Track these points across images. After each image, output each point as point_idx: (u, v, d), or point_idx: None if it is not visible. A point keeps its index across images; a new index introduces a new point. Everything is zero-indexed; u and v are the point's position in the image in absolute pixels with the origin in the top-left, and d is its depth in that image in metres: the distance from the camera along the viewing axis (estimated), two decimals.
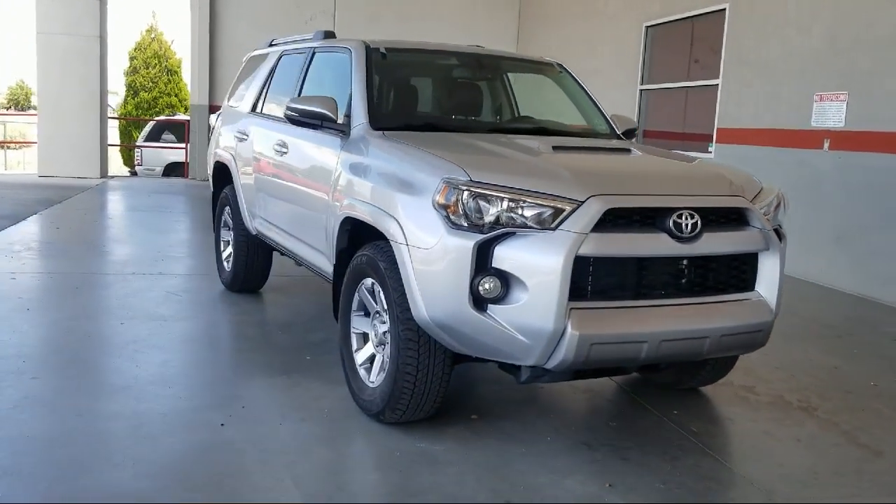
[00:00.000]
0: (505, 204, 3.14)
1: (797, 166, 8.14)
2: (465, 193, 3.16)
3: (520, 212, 3.13)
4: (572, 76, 5.05)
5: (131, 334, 4.87)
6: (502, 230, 3.12)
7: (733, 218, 3.48)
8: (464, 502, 2.98)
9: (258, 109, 5.73)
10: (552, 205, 3.12)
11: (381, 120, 4.17)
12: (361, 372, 3.81)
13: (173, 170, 16.61)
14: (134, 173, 17.67)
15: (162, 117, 19.36)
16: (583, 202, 3.13)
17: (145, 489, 2.96)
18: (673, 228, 3.22)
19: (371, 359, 3.79)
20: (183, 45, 23.13)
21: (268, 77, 5.75)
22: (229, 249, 6.17)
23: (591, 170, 3.50)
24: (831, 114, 7.79)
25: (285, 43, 5.92)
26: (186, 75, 23.04)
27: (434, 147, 3.64)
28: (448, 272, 3.16)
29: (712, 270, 3.41)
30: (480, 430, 3.69)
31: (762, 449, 3.72)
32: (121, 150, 22.14)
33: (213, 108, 15.04)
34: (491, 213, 3.14)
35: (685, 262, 3.32)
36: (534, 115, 5.06)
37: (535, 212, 3.12)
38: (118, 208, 11.33)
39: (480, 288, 3.11)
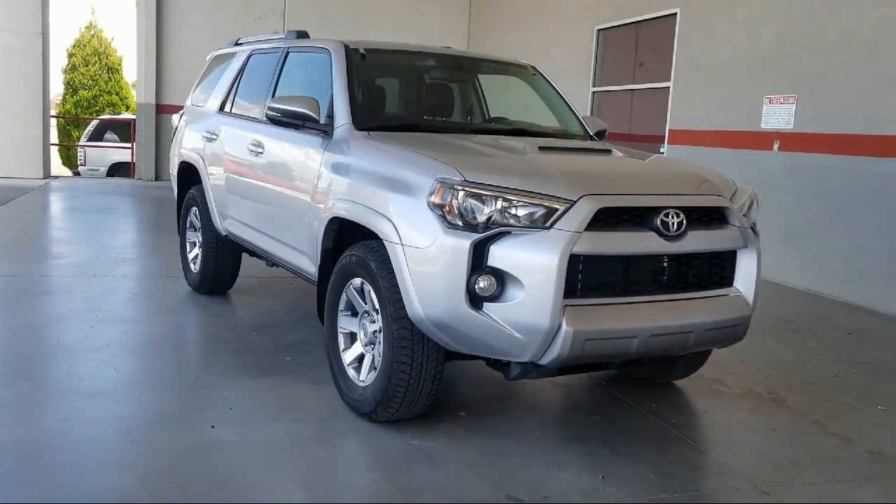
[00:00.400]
0: (499, 204, 3.20)
1: (748, 167, 8.41)
2: (461, 193, 3.21)
3: (514, 211, 3.19)
4: (545, 78, 5.14)
5: (103, 338, 4.78)
6: (497, 229, 3.18)
7: (714, 217, 3.61)
8: (470, 500, 3.03)
9: (227, 109, 5.68)
10: (546, 204, 3.19)
11: (364, 120, 4.18)
12: (350, 371, 3.82)
13: (118, 170, 16.24)
14: (77, 173, 17.21)
15: (105, 116, 18.91)
16: (575, 202, 3.20)
17: (147, 492, 2.93)
18: (660, 227, 3.33)
19: (360, 358, 3.81)
20: (124, 43, 22.74)
21: (236, 76, 5.71)
22: (196, 251, 6.10)
23: (581, 170, 3.59)
24: (781, 116, 8.07)
25: (253, 42, 5.87)
26: (128, 73, 22.60)
27: (422, 147, 3.69)
28: (444, 271, 3.20)
29: (695, 267, 3.53)
30: (470, 426, 3.74)
31: (741, 439, 3.86)
32: (59, 150, 21.56)
33: (161, 107, 14.82)
34: (485, 212, 3.19)
35: (671, 259, 3.43)
36: (508, 116, 5.13)
37: (530, 211, 3.19)
38: (67, 209, 11.03)
39: (476, 286, 3.17)
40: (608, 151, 4.12)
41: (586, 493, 3.13)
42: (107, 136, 16.84)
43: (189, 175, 6.14)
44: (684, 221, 3.38)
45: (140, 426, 3.54)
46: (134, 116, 16.10)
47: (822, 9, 7.56)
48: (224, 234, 5.59)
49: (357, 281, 3.73)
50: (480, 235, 3.17)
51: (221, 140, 5.49)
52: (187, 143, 6.12)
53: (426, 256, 3.26)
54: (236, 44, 6.23)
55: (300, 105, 4.16)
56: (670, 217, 3.35)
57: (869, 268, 7.06)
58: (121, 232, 9.40)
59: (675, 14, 9.72)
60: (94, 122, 17.46)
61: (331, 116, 4.24)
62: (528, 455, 3.46)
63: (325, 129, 4.21)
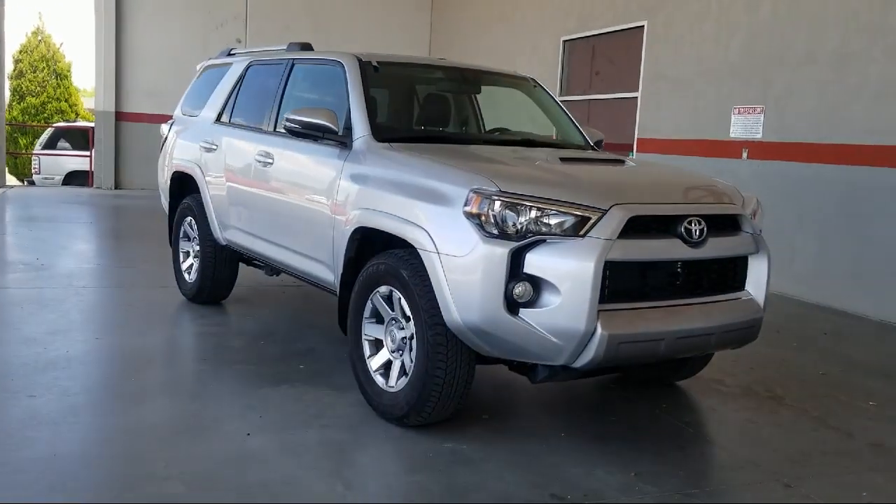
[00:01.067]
0: (534, 213, 3.33)
1: (717, 174, 8.66)
2: (498, 203, 3.33)
3: (549, 220, 3.32)
4: (545, 90, 5.31)
5: (112, 349, 4.78)
6: (533, 238, 3.31)
7: (728, 224, 3.80)
8: (516, 499, 3.14)
9: (225, 119, 5.70)
10: (580, 213, 3.33)
11: (382, 132, 4.27)
12: (377, 378, 3.90)
13: (74, 178, 15.92)
14: (30, 182, 16.81)
15: (61, 123, 18.48)
16: (607, 211, 3.35)
17: (200, 499, 2.97)
18: (684, 234, 3.50)
19: (387, 364, 3.89)
20: (74, 49, 22.27)
21: (235, 87, 5.73)
22: (190, 261, 6.10)
23: (607, 180, 3.74)
24: (749, 126, 8.39)
25: (250, 53, 5.92)
26: (77, 79, 22.17)
27: (450, 159, 3.80)
28: (483, 278, 3.31)
29: (713, 272, 3.72)
30: (496, 428, 3.86)
31: (752, 435, 4.05)
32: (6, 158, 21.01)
33: (120, 115, 14.60)
34: (521, 221, 3.32)
35: (693, 264, 3.60)
36: (511, 126, 5.27)
37: (564, 220, 3.32)
38: (32, 219, 10.77)
39: (513, 293, 3.29)
40: (622, 161, 4.29)
41: (623, 491, 3.27)
42: (59, 144, 16.51)
43: (182, 185, 6.14)
44: (705, 229, 3.56)
45: (175, 435, 3.56)
46: (89, 124, 15.83)
47: (789, 23, 7.90)
48: (224, 243, 5.61)
49: (384, 289, 3.82)
50: (518, 244, 3.29)
51: (222, 150, 5.51)
52: (181, 153, 6.10)
53: (464, 264, 3.36)
54: (229, 54, 6.27)
55: (320, 117, 4.23)
56: (693, 225, 3.52)
57: (836, 271, 7.40)
58: (95, 242, 9.28)
59: (643, 27, 10.01)
60: (49, 130, 17.08)
61: (348, 128, 4.31)
62: (559, 455, 3.59)
63: (343, 141, 4.29)
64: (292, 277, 5.18)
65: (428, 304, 3.53)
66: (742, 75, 8.46)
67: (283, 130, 4.91)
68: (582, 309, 3.24)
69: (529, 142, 4.75)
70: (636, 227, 3.42)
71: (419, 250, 3.54)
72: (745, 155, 8.48)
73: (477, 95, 5.59)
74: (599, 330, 3.26)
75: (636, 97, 10.15)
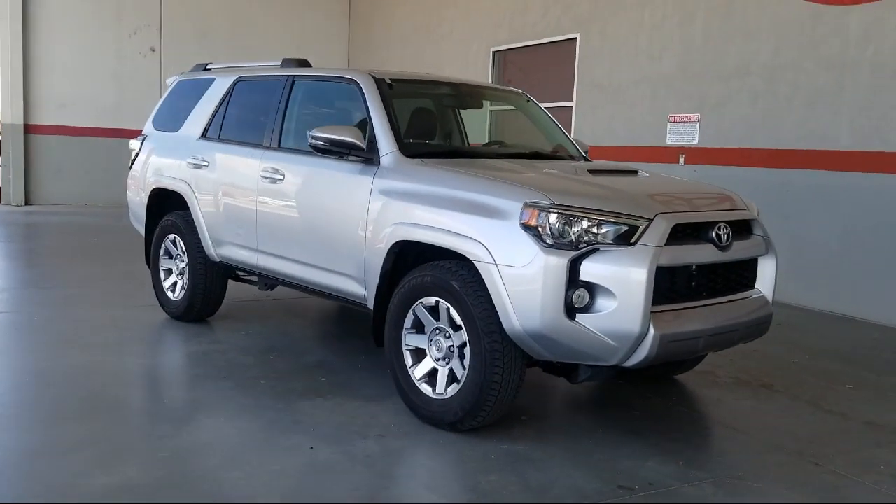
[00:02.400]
0: (586, 223, 3.56)
1: None
2: (554, 216, 3.55)
3: (602, 230, 3.56)
4: (536, 104, 5.56)
5: (125, 371, 4.69)
6: (588, 247, 3.54)
7: (744, 228, 4.15)
8: (589, 493, 3.36)
9: (213, 135, 5.66)
10: (629, 223, 3.59)
11: (409, 148, 4.41)
12: (423, 386, 4.03)
13: None
14: None
15: None
16: (652, 220, 3.62)
17: None
18: (715, 239, 3.82)
19: (431, 373, 4.03)
20: None
21: (221, 103, 5.70)
22: (173, 278, 6.01)
23: (644, 191, 4.00)
24: (685, 132, 8.93)
25: (232, 68, 5.91)
26: None
27: (490, 172, 3.99)
28: (544, 287, 3.50)
29: (735, 273, 4.06)
30: (538, 428, 4.07)
31: (763, 421, 4.41)
32: None
33: (29, 127, 13.98)
34: (575, 232, 3.55)
35: (722, 266, 3.93)
36: (506, 139, 5.49)
37: (616, 229, 3.57)
38: None
39: (571, 299, 3.51)
40: (636, 172, 4.59)
41: (679, 479, 3.53)
42: None
43: (164, 201, 6.05)
44: (731, 233, 3.89)
45: (240, 453, 3.58)
46: None
47: (722, 37, 8.47)
48: (217, 260, 5.58)
49: (430, 300, 3.95)
50: (576, 253, 3.51)
51: (216, 166, 5.47)
52: (164, 170, 5.99)
53: (524, 274, 3.55)
54: (205, 69, 6.22)
55: (347, 134, 4.33)
56: (722, 230, 3.85)
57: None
58: (36, 262, 8.88)
59: (575, 39, 10.44)
60: None
61: (371, 144, 4.42)
62: (608, 449, 3.83)
63: (369, 158, 4.39)
64: (289, 290, 5.20)
65: (483, 313, 3.70)
66: (677, 85, 8.99)
67: (289, 147, 4.99)
68: (637, 312, 3.49)
69: (538, 154, 4.99)
70: (676, 234, 3.70)
71: (476, 262, 3.70)
72: (682, 160, 9.01)
73: (460, 110, 5.79)
74: (652, 331, 3.52)
75: (571, 106, 10.57)
